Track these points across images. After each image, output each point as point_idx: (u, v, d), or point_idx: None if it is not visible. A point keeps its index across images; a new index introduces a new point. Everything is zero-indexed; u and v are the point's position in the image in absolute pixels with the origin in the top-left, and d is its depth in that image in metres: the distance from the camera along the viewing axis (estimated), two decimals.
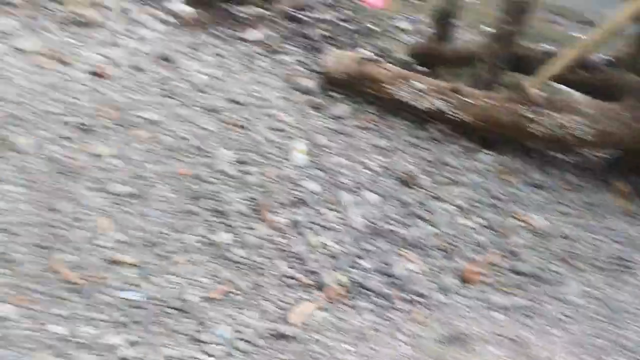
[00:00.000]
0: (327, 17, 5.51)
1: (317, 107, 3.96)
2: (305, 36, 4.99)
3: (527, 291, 2.83)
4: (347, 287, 2.54)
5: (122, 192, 2.76)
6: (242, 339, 2.20)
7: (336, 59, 4.23)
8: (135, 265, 2.40)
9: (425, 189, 3.33)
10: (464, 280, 2.74)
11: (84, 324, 2.10)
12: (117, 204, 2.70)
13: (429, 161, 3.61)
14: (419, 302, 2.59)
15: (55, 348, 1.99)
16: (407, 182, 3.30)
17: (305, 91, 4.13)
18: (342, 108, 3.99)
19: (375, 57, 4.31)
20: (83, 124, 3.21)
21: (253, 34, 4.84)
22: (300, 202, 2.97)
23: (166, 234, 2.60)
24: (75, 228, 2.50)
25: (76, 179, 2.79)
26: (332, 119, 3.88)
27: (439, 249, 2.91)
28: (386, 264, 2.71)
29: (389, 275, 2.65)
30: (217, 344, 2.16)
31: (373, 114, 4.03)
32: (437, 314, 2.56)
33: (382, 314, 2.50)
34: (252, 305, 2.38)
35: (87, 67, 3.79)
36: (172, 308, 2.26)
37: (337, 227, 2.88)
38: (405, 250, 2.85)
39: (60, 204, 2.60)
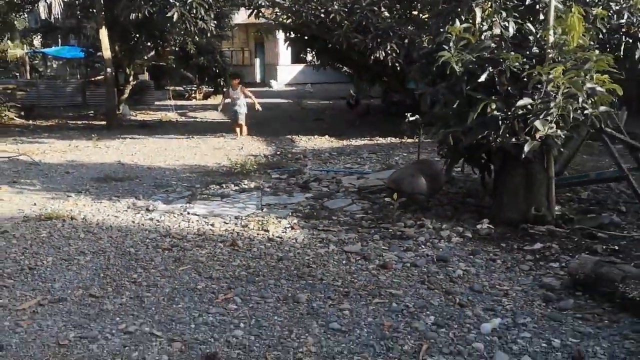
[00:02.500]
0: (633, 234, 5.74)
1: (547, 300, 4.40)
2: (589, 249, 5.39)
3: None
4: None
5: None
6: None
7: (580, 261, 4.65)
8: None
9: None
10: None
11: None
12: None
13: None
14: None
15: None
16: None
17: (547, 288, 4.61)
18: (569, 302, 4.32)
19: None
20: (346, 292, 4.63)
21: (535, 245, 5.56)
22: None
23: None
24: None
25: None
26: (555, 309, 4.27)
27: None
28: None
29: None
30: None
31: (601, 309, 4.21)
32: None
33: None
34: None
35: (380, 262, 5.29)
36: None
37: None
38: None
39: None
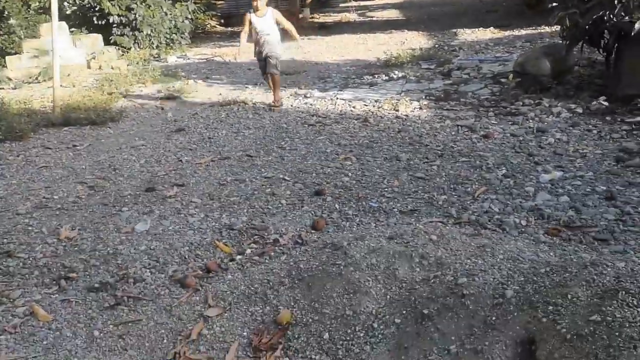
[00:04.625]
0: None
1: (618, 160, 4.91)
2: None
3: None
4: None
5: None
6: None
7: None
8: None
9: None
10: None
11: None
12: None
13: None
14: None
15: None
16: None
17: (625, 151, 5.13)
18: (637, 161, 4.82)
19: None
20: (442, 153, 5.60)
21: (638, 118, 5.92)
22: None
23: None
24: None
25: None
26: (622, 167, 4.82)
27: None
28: None
29: None
30: None
31: None
32: None
33: None
34: None
35: (483, 133, 6.10)
36: None
37: None
38: None
39: None
